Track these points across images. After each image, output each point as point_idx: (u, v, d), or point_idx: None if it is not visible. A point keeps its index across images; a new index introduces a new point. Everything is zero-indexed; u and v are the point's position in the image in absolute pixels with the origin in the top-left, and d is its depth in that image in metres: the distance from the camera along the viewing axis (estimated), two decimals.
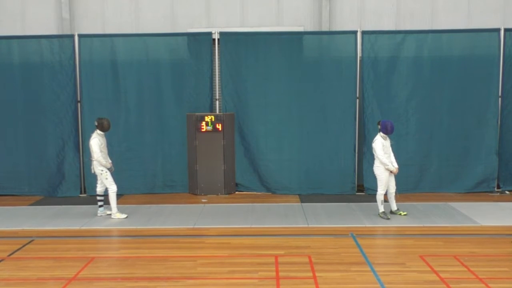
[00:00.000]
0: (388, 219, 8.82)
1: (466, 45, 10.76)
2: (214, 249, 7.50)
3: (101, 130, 8.99)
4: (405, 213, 9.14)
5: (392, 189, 8.98)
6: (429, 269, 6.50)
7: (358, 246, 7.45)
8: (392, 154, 8.93)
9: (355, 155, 11.00)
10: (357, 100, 10.93)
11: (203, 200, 10.61)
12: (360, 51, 10.83)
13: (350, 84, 10.88)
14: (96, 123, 9.01)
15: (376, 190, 10.78)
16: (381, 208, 8.95)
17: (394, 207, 9.15)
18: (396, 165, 8.88)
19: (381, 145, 8.74)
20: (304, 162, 11.09)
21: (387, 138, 8.87)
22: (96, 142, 8.88)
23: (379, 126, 8.86)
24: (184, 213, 9.55)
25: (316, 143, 11.00)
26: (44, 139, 11.07)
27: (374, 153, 8.84)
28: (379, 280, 6.16)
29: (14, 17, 11.74)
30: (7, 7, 11.75)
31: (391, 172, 8.83)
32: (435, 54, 10.76)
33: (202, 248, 7.54)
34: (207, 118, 10.79)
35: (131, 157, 11.09)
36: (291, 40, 11.02)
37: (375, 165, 8.95)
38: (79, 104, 11.10)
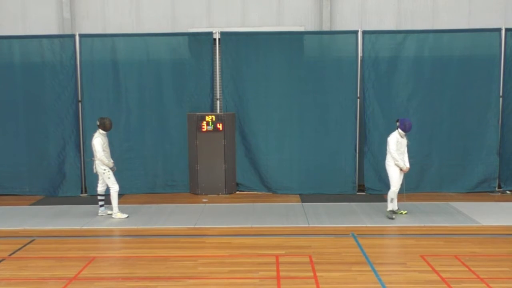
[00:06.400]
0: (393, 219, 8.80)
1: (467, 45, 10.75)
2: (215, 248, 7.50)
3: (103, 129, 8.99)
4: (405, 212, 9.14)
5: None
6: (430, 269, 6.49)
7: (359, 246, 7.45)
8: (406, 154, 8.92)
9: (355, 155, 11.00)
10: (358, 100, 10.93)
11: (204, 200, 10.61)
12: (361, 51, 10.83)
13: (351, 83, 10.88)
14: (98, 123, 9.01)
15: (377, 190, 10.87)
16: (389, 207, 8.91)
17: (395, 206, 9.14)
18: (407, 165, 8.87)
19: (395, 140, 8.73)
20: (305, 161, 11.09)
21: (404, 136, 8.84)
22: (99, 142, 8.88)
23: (397, 123, 8.83)
24: (185, 213, 9.56)
25: (317, 142, 11.00)
26: (45, 138, 11.08)
27: (388, 147, 8.80)
28: (380, 280, 6.16)
29: (15, 17, 11.74)
30: (8, 7, 11.76)
31: (400, 170, 8.82)
32: (436, 54, 10.76)
33: (203, 248, 7.54)
34: (208, 118, 10.79)
35: (132, 157, 11.09)
36: (292, 40, 11.02)
37: (386, 162, 8.92)
38: (80, 104, 11.11)
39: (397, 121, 8.90)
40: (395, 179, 8.81)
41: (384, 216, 9.00)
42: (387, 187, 10.68)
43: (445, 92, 10.81)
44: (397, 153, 8.72)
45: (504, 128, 10.95)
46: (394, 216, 8.88)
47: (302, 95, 10.95)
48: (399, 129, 8.78)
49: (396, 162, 8.74)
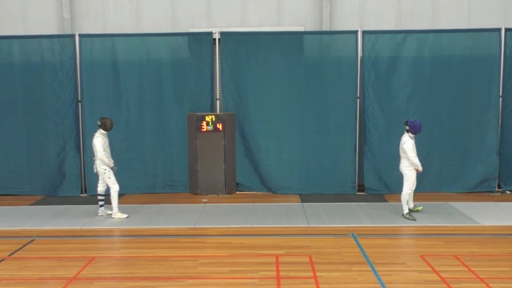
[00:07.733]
0: (414, 220, 8.71)
1: (466, 45, 10.75)
2: (214, 248, 7.50)
3: (104, 129, 8.99)
4: (421, 207, 9.25)
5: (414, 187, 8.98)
6: (429, 269, 6.50)
7: (359, 245, 7.45)
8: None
9: (355, 155, 11.00)
10: (358, 100, 10.93)
11: (203, 200, 10.61)
12: (361, 51, 10.82)
13: (351, 83, 10.87)
14: (99, 123, 9.01)
15: (377, 190, 10.86)
16: (406, 209, 8.85)
17: (411, 204, 9.14)
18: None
19: (412, 146, 8.64)
20: (305, 161, 11.09)
21: (413, 137, 8.80)
22: (100, 141, 8.88)
23: (406, 127, 8.75)
24: (185, 213, 9.56)
25: (316, 142, 11.00)
26: (45, 138, 11.09)
27: (404, 154, 8.69)
28: (379, 280, 6.16)
29: (15, 17, 11.74)
30: (8, 7, 11.75)
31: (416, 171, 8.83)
32: (435, 54, 10.75)
33: (202, 248, 7.54)
34: (208, 118, 10.79)
35: (132, 157, 11.09)
36: (291, 40, 11.02)
37: (403, 165, 8.81)
38: (80, 104, 11.11)
39: (406, 124, 8.79)
40: (411, 182, 8.79)
41: (384, 217, 9.00)
42: (387, 187, 10.75)
43: (445, 92, 10.81)
44: (416, 157, 8.65)
45: (504, 128, 10.95)
46: (415, 217, 8.78)
47: (302, 95, 10.95)
48: (409, 133, 8.72)
49: (416, 167, 8.72)
